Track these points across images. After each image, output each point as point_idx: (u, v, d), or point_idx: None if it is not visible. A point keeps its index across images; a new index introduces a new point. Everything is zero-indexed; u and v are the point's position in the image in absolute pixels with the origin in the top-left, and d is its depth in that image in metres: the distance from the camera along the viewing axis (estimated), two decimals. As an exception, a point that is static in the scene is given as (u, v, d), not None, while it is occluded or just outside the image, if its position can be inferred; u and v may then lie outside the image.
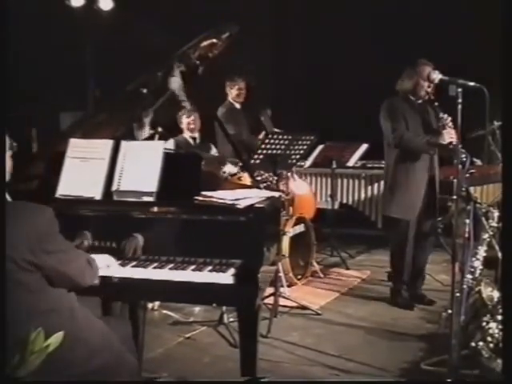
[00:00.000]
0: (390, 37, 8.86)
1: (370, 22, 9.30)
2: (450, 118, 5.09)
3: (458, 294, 4.09)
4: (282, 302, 5.63)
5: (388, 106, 5.59)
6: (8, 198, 2.78)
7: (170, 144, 6.29)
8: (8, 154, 2.89)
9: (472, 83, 4.05)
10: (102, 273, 3.06)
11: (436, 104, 5.27)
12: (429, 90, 5.34)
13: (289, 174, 6.87)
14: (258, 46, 9.73)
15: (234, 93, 7.63)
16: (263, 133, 7.24)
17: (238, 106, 7.69)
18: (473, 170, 4.82)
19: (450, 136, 5.07)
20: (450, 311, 4.14)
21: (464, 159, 4.50)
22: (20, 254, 2.56)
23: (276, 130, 7.18)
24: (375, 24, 9.23)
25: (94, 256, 3.06)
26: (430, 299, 5.79)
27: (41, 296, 2.68)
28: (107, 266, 3.17)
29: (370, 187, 7.70)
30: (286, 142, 5.58)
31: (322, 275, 6.93)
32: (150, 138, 4.45)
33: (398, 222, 5.60)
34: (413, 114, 5.52)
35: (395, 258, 5.79)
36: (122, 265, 3.26)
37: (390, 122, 5.50)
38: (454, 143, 4.43)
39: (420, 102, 5.53)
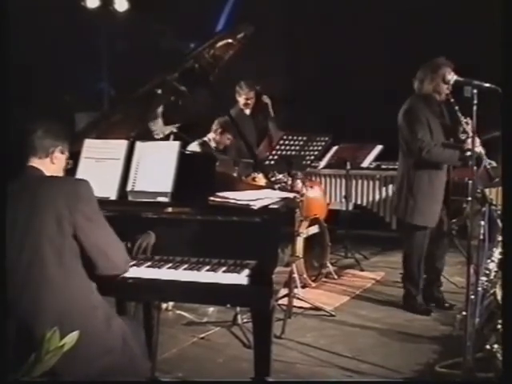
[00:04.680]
0: (403, 36, 8.82)
1: (383, 22, 9.26)
2: (471, 122, 5.03)
3: (472, 296, 4.07)
4: (296, 303, 5.62)
5: (411, 113, 5.44)
6: None
7: (194, 147, 6.31)
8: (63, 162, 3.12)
9: (487, 84, 4.03)
10: None
11: (457, 108, 5.20)
12: (447, 91, 5.29)
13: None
14: (271, 47, 9.72)
15: (241, 101, 7.31)
16: (264, 142, 7.20)
17: (247, 112, 7.39)
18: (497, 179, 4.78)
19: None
20: (464, 313, 4.13)
21: (488, 165, 4.49)
22: (59, 211, 2.77)
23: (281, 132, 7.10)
24: (389, 23, 9.19)
25: None
26: (449, 304, 5.73)
27: (71, 264, 2.80)
28: None
29: (384, 188, 7.68)
30: (301, 143, 5.57)
31: (336, 276, 6.92)
32: (166, 138, 4.46)
33: (417, 228, 5.52)
34: (433, 118, 5.44)
35: (412, 264, 5.65)
36: (137, 265, 3.27)
37: (416, 132, 5.34)
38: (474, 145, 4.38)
39: (438, 103, 5.46)
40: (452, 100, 5.24)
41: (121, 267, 2.99)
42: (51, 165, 3.03)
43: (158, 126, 4.31)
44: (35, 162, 2.99)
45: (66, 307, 2.71)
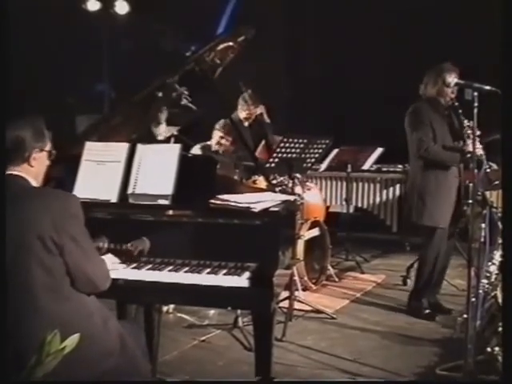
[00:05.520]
0: (405, 37, 8.82)
1: (384, 22, 9.25)
2: (474, 125, 5.03)
3: (473, 299, 4.07)
4: (296, 305, 5.62)
5: (414, 113, 5.47)
6: None
7: (195, 151, 6.28)
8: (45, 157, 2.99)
9: (488, 87, 4.03)
10: (114, 275, 3.08)
11: (460, 111, 5.19)
12: (452, 95, 5.29)
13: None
14: (272, 47, 9.71)
15: (243, 115, 7.06)
16: (260, 148, 7.15)
17: (246, 123, 7.13)
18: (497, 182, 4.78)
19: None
20: (465, 316, 4.13)
21: (488, 170, 4.48)
22: (45, 230, 2.67)
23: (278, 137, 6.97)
24: (390, 24, 9.18)
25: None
26: (447, 308, 5.71)
27: (63, 282, 2.76)
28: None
29: (385, 191, 7.68)
30: (302, 146, 5.55)
31: (336, 279, 6.92)
32: (166, 141, 4.46)
33: (434, 230, 5.46)
34: (440, 120, 5.42)
35: (425, 265, 5.59)
36: (138, 267, 3.27)
37: (416, 131, 5.38)
38: (477, 152, 4.37)
39: (444, 106, 5.45)
40: (456, 104, 5.24)
41: (100, 287, 2.89)
42: (31, 168, 2.89)
43: (161, 131, 4.31)
44: (15, 170, 2.86)
45: (63, 320, 2.65)
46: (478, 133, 4.59)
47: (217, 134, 6.53)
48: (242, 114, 7.07)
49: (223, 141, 6.51)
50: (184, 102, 4.17)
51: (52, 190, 3.04)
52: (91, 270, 2.84)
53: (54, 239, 2.68)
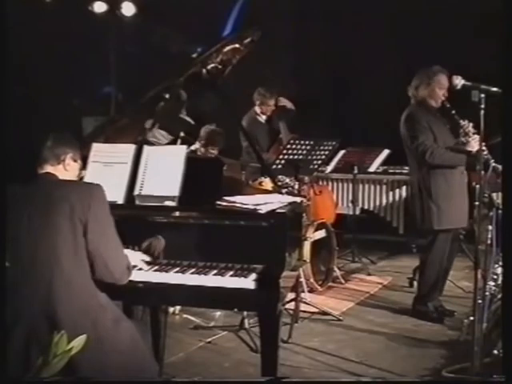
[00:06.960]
0: (406, 37, 8.80)
1: (384, 22, 9.22)
2: (471, 124, 5.02)
3: (480, 301, 4.06)
4: (303, 307, 5.61)
5: (411, 119, 5.40)
6: None
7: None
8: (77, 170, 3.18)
9: (495, 88, 4.01)
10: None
11: (453, 112, 5.17)
12: (443, 98, 5.28)
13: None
14: (278, 47, 9.69)
15: (258, 109, 7.13)
16: (274, 147, 7.12)
17: (263, 117, 7.22)
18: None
19: (477, 143, 4.91)
20: (472, 318, 4.12)
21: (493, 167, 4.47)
22: (72, 206, 2.82)
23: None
24: (390, 24, 9.16)
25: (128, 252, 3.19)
26: (449, 310, 5.68)
27: (83, 265, 2.86)
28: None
29: (391, 193, 7.66)
30: (308, 148, 5.56)
31: (343, 281, 6.90)
32: (173, 142, 4.47)
33: (441, 232, 5.38)
34: (436, 122, 5.38)
35: (432, 269, 5.51)
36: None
37: (417, 137, 5.31)
38: (481, 149, 4.34)
39: (435, 108, 5.42)
40: (448, 105, 5.23)
41: (117, 278, 2.97)
42: (65, 171, 3.06)
43: (155, 133, 4.31)
44: (49, 169, 3.03)
45: (79, 302, 2.78)
46: (474, 133, 4.60)
47: (201, 145, 6.14)
48: (258, 108, 7.13)
49: (211, 150, 6.10)
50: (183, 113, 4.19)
51: (80, 181, 3.28)
52: (110, 257, 2.91)
53: (80, 216, 2.80)
